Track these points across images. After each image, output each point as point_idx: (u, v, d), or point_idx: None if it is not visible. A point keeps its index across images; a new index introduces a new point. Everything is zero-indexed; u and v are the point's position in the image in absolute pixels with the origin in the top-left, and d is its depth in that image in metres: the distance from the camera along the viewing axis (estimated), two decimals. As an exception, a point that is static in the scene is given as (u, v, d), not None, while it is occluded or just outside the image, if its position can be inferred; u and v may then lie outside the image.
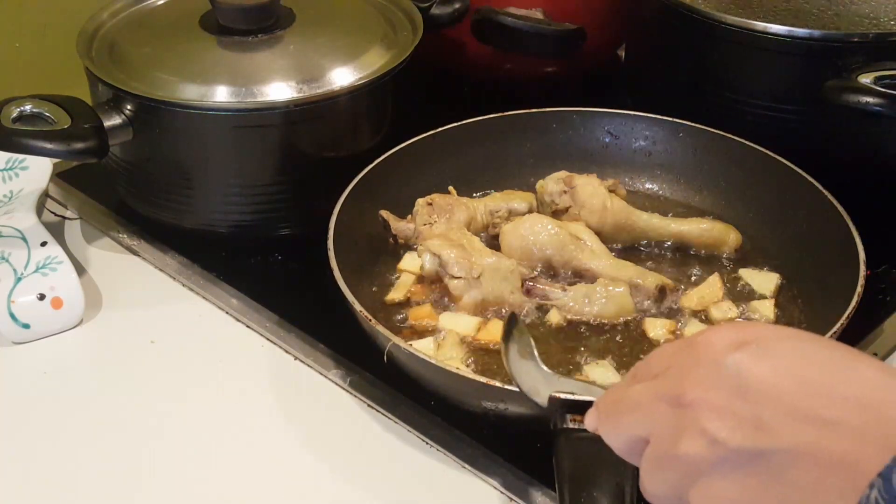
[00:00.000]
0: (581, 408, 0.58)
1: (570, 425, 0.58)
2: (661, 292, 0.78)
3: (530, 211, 0.85)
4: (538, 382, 0.59)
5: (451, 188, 0.86)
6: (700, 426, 0.42)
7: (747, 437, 0.41)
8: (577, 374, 0.72)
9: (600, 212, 0.83)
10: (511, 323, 0.62)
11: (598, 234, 0.82)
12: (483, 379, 0.64)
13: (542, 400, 0.58)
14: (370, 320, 0.68)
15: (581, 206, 0.83)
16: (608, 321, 0.76)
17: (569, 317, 0.76)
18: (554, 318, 0.76)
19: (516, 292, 0.77)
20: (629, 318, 0.76)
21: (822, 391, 0.40)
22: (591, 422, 0.51)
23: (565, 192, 0.84)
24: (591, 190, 0.84)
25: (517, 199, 0.86)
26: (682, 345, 0.46)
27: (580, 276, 0.80)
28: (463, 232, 0.80)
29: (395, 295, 0.79)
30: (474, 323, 0.75)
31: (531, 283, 0.78)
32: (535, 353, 0.60)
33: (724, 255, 0.83)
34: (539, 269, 0.81)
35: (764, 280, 0.80)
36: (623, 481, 0.56)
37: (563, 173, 0.85)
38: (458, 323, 0.75)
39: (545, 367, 0.59)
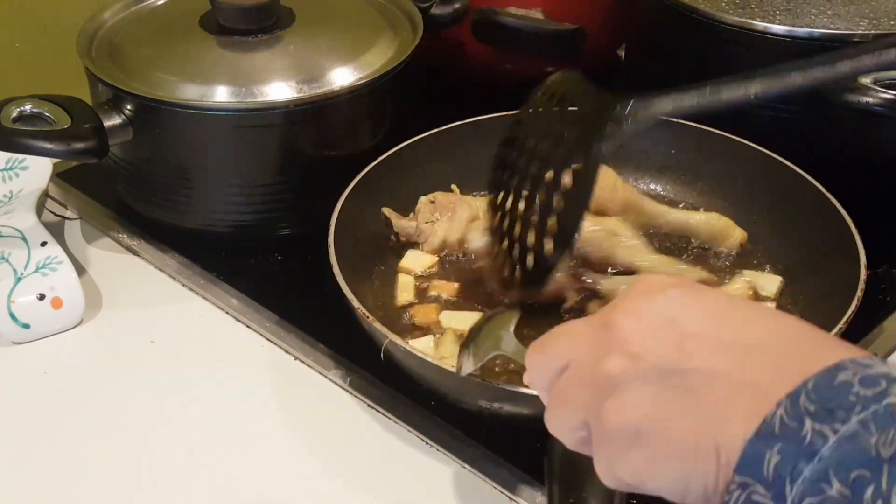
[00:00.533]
0: None
1: None
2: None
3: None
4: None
5: (453, 187, 0.86)
6: (624, 344, 0.43)
7: (667, 355, 0.42)
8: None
9: (610, 192, 0.83)
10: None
11: (605, 215, 0.82)
12: (478, 378, 0.63)
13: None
14: (367, 317, 0.68)
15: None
16: None
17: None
18: (595, 308, 0.76)
19: (562, 278, 0.76)
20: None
21: (745, 328, 0.42)
22: (526, 376, 0.50)
23: None
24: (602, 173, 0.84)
25: None
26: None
27: (619, 272, 0.79)
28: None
29: (404, 296, 0.78)
30: (473, 318, 0.75)
31: (574, 269, 0.76)
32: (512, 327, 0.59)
33: (724, 253, 0.83)
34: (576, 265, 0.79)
35: (767, 282, 0.79)
36: None
37: None
38: (457, 320, 0.75)
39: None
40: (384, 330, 0.67)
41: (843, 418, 0.36)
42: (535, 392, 0.59)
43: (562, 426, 0.46)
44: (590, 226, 0.79)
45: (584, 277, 0.77)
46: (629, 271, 0.79)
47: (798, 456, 0.36)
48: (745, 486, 0.38)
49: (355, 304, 0.69)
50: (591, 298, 0.77)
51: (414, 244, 0.83)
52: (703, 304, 0.44)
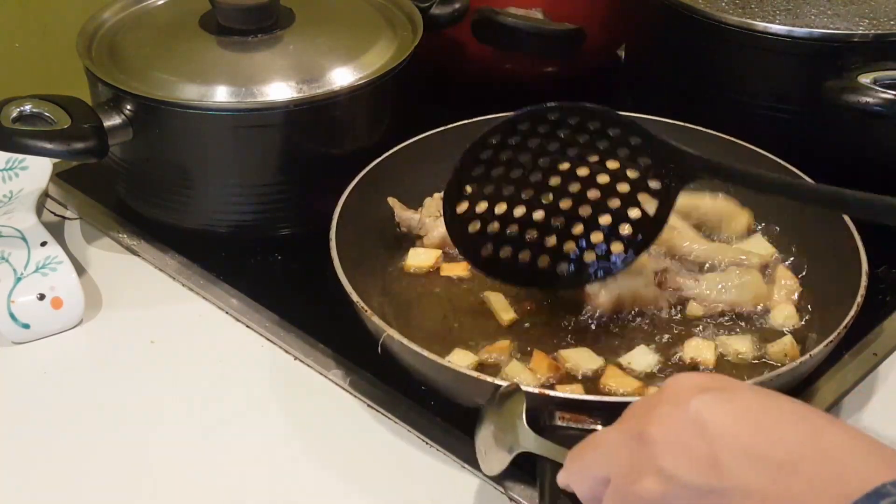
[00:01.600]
0: (570, 406, 0.59)
1: (558, 423, 0.59)
2: (765, 268, 0.78)
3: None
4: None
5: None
6: (657, 463, 0.43)
7: (701, 474, 0.42)
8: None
9: None
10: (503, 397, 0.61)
11: None
12: (474, 373, 0.64)
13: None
14: (366, 310, 0.68)
15: None
16: (743, 308, 0.75)
17: (706, 306, 0.75)
18: (694, 310, 0.75)
19: (650, 286, 0.76)
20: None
21: (778, 438, 0.41)
22: (561, 476, 0.52)
23: None
24: None
25: None
26: (653, 392, 0.47)
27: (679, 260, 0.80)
28: None
29: (505, 316, 0.76)
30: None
31: (663, 275, 0.76)
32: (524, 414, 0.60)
33: (732, 238, 0.83)
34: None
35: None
36: None
37: None
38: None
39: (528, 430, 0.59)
40: (381, 324, 0.67)
41: None
42: (529, 390, 0.61)
43: None
44: None
45: (672, 284, 0.77)
46: (691, 261, 0.79)
47: None
48: None
49: (354, 297, 0.69)
50: (684, 302, 0.77)
51: (416, 238, 0.83)
52: (735, 408, 0.43)
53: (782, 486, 0.40)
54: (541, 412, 0.61)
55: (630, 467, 0.45)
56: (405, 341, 0.66)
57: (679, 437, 0.43)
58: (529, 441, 0.58)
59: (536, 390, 0.62)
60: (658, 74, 0.99)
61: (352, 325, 0.71)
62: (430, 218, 0.82)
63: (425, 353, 0.65)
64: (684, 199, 0.82)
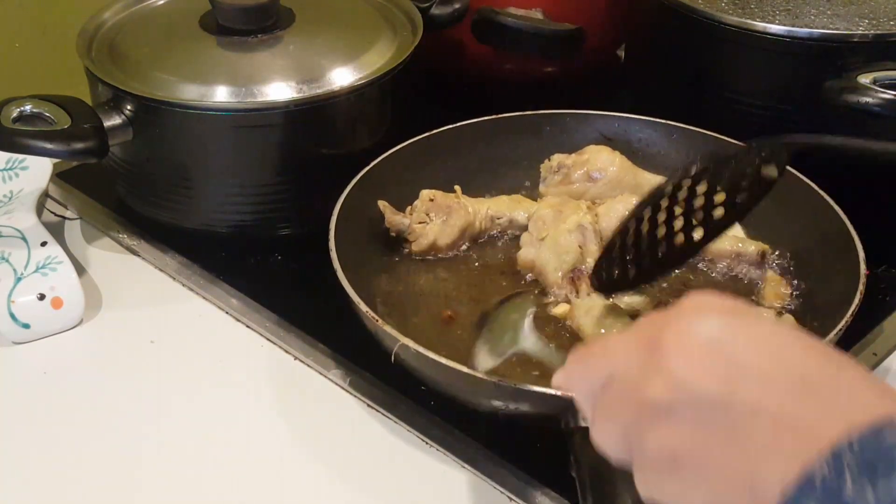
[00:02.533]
0: None
1: (585, 423, 0.57)
2: (763, 257, 0.79)
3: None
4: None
5: (457, 187, 0.85)
6: (668, 367, 0.42)
7: (713, 384, 0.41)
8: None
9: (625, 172, 0.84)
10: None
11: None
12: (495, 379, 0.63)
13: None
14: (377, 321, 0.67)
15: (598, 171, 0.84)
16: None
17: (568, 322, 0.75)
18: (559, 310, 0.75)
19: (560, 272, 0.77)
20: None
21: (795, 363, 0.41)
22: (559, 376, 0.50)
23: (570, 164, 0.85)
24: (606, 155, 0.85)
25: (522, 208, 0.85)
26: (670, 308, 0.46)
27: None
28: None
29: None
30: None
31: (580, 272, 0.77)
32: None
33: None
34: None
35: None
36: None
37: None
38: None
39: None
40: (395, 333, 0.66)
41: (886, 480, 0.35)
42: (551, 392, 0.60)
43: (607, 440, 0.46)
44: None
45: (583, 284, 0.76)
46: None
47: None
48: None
49: (363, 307, 0.69)
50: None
51: (405, 241, 0.83)
52: (754, 332, 0.43)
53: (794, 408, 0.39)
54: (564, 413, 0.60)
55: (638, 369, 0.44)
56: (421, 349, 0.65)
57: (695, 348, 0.42)
58: (529, 342, 0.56)
59: (557, 392, 0.60)
60: (658, 75, 0.99)
61: (352, 325, 0.71)
62: (419, 224, 0.82)
63: (443, 360, 0.64)
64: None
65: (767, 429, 0.40)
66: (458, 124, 0.88)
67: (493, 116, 0.89)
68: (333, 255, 0.73)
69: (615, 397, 0.45)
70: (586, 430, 0.56)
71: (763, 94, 0.89)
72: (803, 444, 0.38)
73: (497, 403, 0.64)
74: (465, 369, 0.63)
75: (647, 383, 0.43)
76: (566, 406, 0.59)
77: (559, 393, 0.61)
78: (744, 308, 0.45)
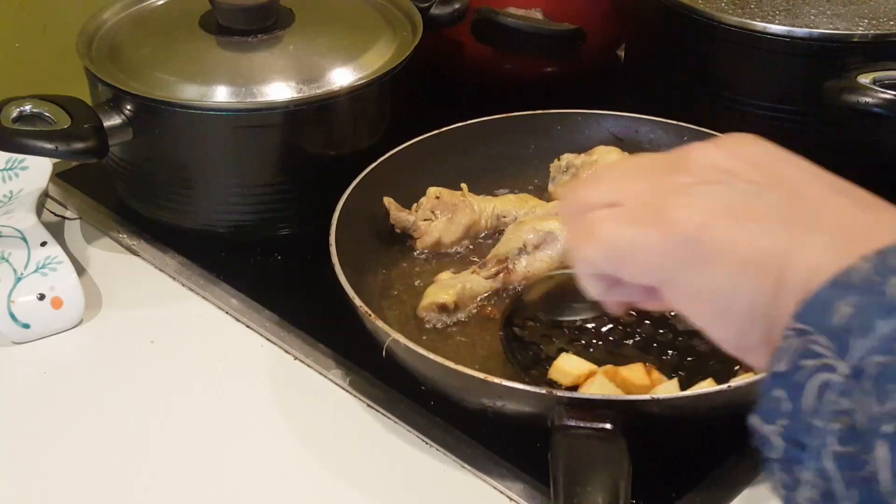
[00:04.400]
0: (581, 405, 0.59)
1: (568, 422, 0.58)
2: None
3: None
4: None
5: (463, 185, 0.85)
6: (702, 164, 0.41)
7: (754, 176, 0.40)
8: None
9: None
10: None
11: None
12: (482, 375, 0.63)
13: None
14: (369, 314, 0.68)
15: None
16: None
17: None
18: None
19: (495, 252, 0.79)
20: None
21: (841, 183, 0.40)
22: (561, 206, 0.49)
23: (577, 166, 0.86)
24: (615, 156, 0.85)
25: (529, 207, 0.85)
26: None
27: None
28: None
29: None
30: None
31: (504, 264, 0.78)
32: None
33: None
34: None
35: None
36: (618, 478, 0.56)
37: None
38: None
39: None
40: (385, 328, 0.67)
41: None
42: (536, 390, 0.61)
43: (589, 258, 0.44)
44: None
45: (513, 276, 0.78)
46: None
47: (875, 311, 0.34)
48: (804, 333, 0.35)
49: (357, 301, 0.69)
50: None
51: (409, 238, 0.83)
52: (798, 159, 0.41)
53: (839, 206, 0.39)
54: (549, 412, 0.61)
55: (660, 173, 0.42)
56: (410, 345, 0.65)
57: (733, 153, 0.40)
58: None
59: (544, 390, 0.62)
60: (658, 75, 0.99)
61: (352, 324, 0.71)
62: (424, 222, 0.82)
63: (431, 356, 0.64)
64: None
65: (809, 216, 0.38)
66: (467, 122, 0.88)
67: (503, 115, 0.89)
68: (333, 250, 0.73)
69: (614, 214, 0.42)
70: (567, 427, 0.58)
71: (762, 94, 0.89)
72: (845, 242, 0.37)
73: (485, 401, 0.65)
74: (452, 365, 0.64)
75: (671, 175, 0.41)
76: (553, 404, 0.60)
77: (545, 391, 0.61)
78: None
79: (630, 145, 0.89)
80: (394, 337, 0.66)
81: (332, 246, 0.74)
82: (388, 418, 0.72)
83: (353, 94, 0.83)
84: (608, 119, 0.91)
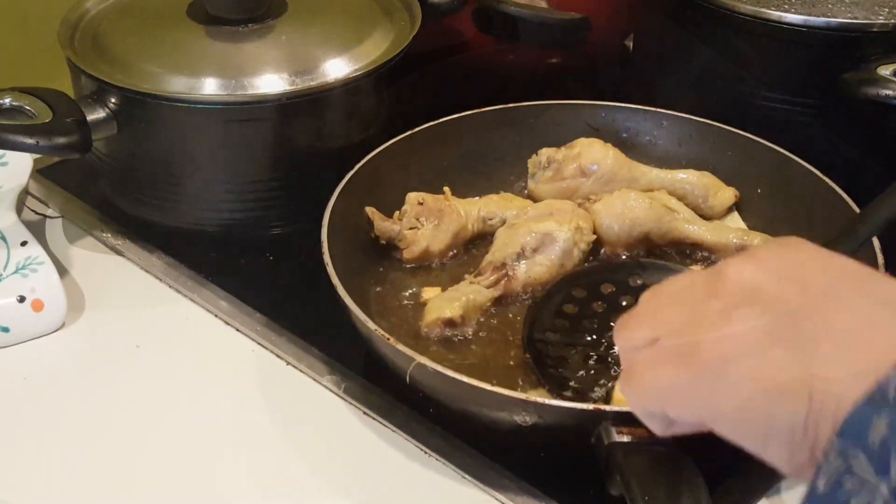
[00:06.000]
0: (626, 419, 0.58)
1: (621, 438, 0.58)
2: None
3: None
4: None
5: (446, 189, 0.85)
6: (738, 287, 0.43)
7: (789, 297, 0.42)
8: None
9: (612, 166, 0.84)
10: None
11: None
12: (522, 395, 0.63)
13: None
14: (388, 339, 0.66)
15: (591, 165, 0.85)
16: None
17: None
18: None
19: (492, 259, 0.79)
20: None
21: (872, 289, 0.41)
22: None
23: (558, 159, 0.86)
24: (598, 148, 0.85)
25: (514, 207, 0.85)
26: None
27: (678, 245, 0.82)
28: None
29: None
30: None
31: (504, 270, 0.78)
32: None
33: (719, 214, 0.85)
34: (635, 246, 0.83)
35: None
36: (698, 492, 0.55)
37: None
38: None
39: None
40: (409, 352, 0.65)
41: None
42: (586, 406, 0.62)
43: (648, 387, 0.47)
44: (647, 202, 0.81)
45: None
46: (689, 244, 0.82)
47: None
48: (845, 454, 0.36)
49: (371, 325, 0.67)
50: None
51: (395, 249, 0.82)
52: (833, 262, 0.43)
53: (867, 324, 0.40)
54: (596, 429, 0.60)
55: (697, 308, 0.45)
56: (440, 368, 0.64)
57: (770, 271, 0.43)
58: None
59: (591, 406, 0.62)
60: (668, 66, 0.99)
61: (346, 328, 0.71)
62: (409, 231, 0.81)
63: (475, 382, 0.63)
64: (665, 174, 0.87)
65: (839, 338, 0.40)
66: (459, 115, 0.88)
67: (474, 111, 0.89)
68: (330, 269, 0.72)
69: (657, 352, 0.46)
70: (627, 444, 0.57)
71: (778, 86, 0.89)
72: (878, 357, 0.38)
73: (519, 418, 0.63)
74: (488, 387, 0.62)
75: (707, 302, 0.44)
76: (598, 421, 0.59)
77: (591, 407, 0.61)
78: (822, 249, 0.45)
79: (608, 135, 0.89)
80: (419, 361, 0.65)
81: (327, 263, 0.72)
82: (385, 427, 0.72)
83: (348, 86, 0.83)
84: (583, 109, 0.90)
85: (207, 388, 0.76)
